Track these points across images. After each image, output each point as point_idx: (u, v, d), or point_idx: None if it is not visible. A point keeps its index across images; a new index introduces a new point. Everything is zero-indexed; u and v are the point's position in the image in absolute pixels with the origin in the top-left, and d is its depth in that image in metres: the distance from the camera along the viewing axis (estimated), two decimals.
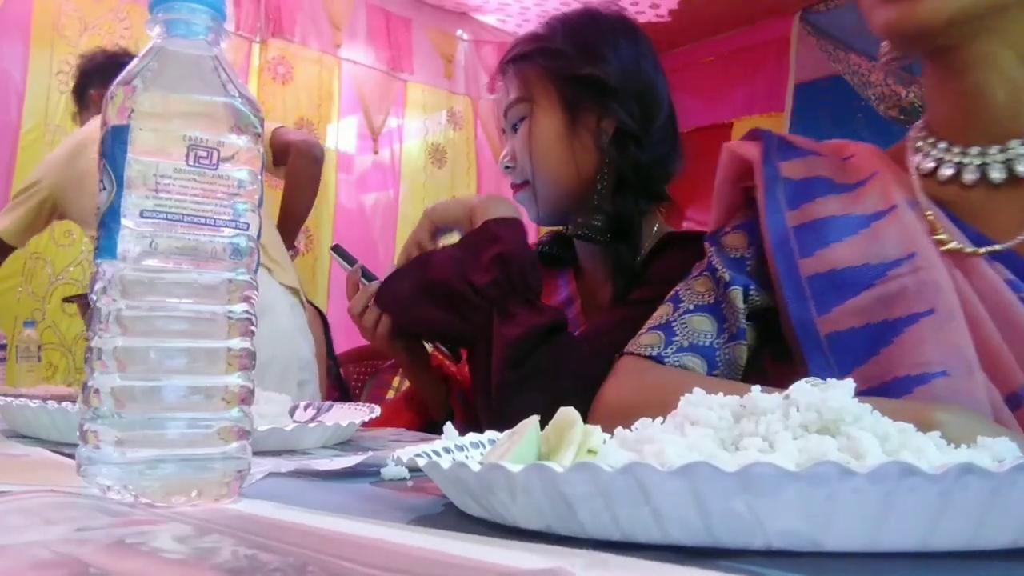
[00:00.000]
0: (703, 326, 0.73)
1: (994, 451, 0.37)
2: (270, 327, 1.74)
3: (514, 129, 1.00)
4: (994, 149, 0.63)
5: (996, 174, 0.63)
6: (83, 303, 2.11)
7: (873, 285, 0.64)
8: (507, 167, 1.02)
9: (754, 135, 0.77)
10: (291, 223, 2.05)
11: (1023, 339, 0.58)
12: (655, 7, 3.91)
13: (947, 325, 0.59)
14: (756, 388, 0.39)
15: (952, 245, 0.63)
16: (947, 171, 0.65)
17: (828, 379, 0.39)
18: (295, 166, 1.97)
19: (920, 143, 0.69)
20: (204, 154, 0.40)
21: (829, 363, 0.63)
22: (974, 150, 0.64)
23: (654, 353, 0.72)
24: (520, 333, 0.82)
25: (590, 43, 0.97)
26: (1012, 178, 0.63)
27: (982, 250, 0.62)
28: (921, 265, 0.62)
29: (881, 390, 0.59)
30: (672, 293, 0.78)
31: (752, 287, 0.72)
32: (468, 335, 0.88)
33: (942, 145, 0.66)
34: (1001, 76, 0.62)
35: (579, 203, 0.96)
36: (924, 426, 0.39)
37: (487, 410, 0.85)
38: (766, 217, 0.71)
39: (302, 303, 1.91)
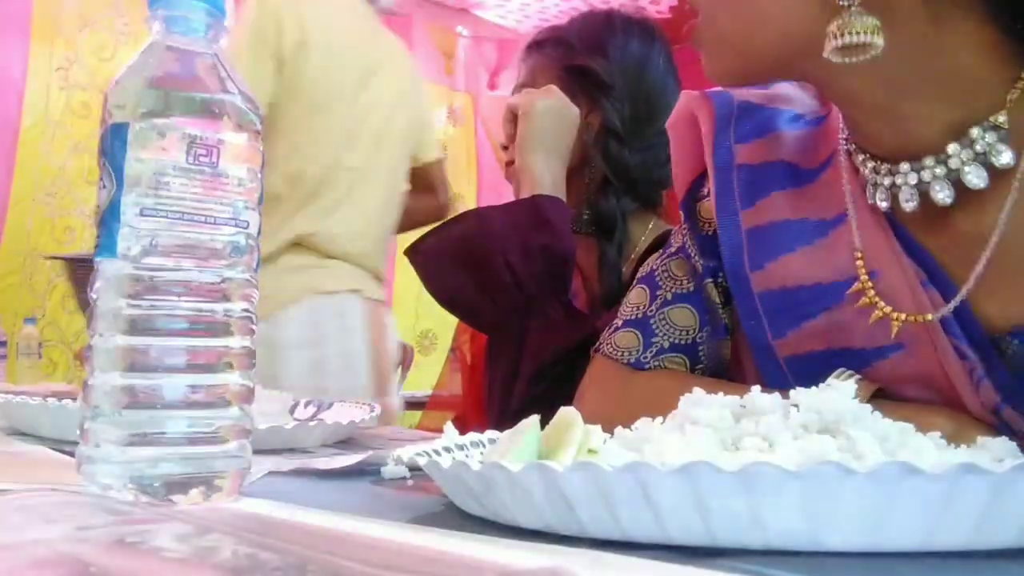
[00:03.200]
0: (684, 320, 0.67)
1: (994, 451, 0.37)
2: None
3: None
4: (884, 168, 0.53)
5: (879, 199, 0.53)
6: (73, 263, 1.73)
7: (829, 308, 0.56)
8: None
9: (707, 95, 0.66)
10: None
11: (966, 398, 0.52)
12: (655, 3, 3.91)
13: (923, 362, 0.53)
14: (756, 388, 0.39)
15: (864, 302, 0.54)
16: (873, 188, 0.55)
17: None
18: (418, 216, 1.67)
19: (847, 143, 0.59)
20: (204, 152, 0.40)
21: (790, 383, 0.53)
22: (870, 163, 0.54)
23: (632, 360, 0.66)
24: (561, 347, 0.79)
25: (597, 37, 0.98)
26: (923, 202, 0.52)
27: (896, 319, 0.53)
28: (882, 290, 0.54)
29: None
30: (647, 273, 0.71)
31: (722, 271, 0.64)
32: (493, 320, 0.85)
33: (851, 146, 0.57)
34: (868, 107, 0.53)
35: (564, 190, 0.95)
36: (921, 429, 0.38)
37: (503, 405, 0.82)
38: (717, 213, 0.63)
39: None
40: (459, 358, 1.09)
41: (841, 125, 0.59)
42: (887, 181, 0.52)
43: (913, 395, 0.54)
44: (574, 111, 0.92)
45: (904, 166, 0.51)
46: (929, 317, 0.51)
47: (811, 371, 0.53)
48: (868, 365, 0.55)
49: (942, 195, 0.50)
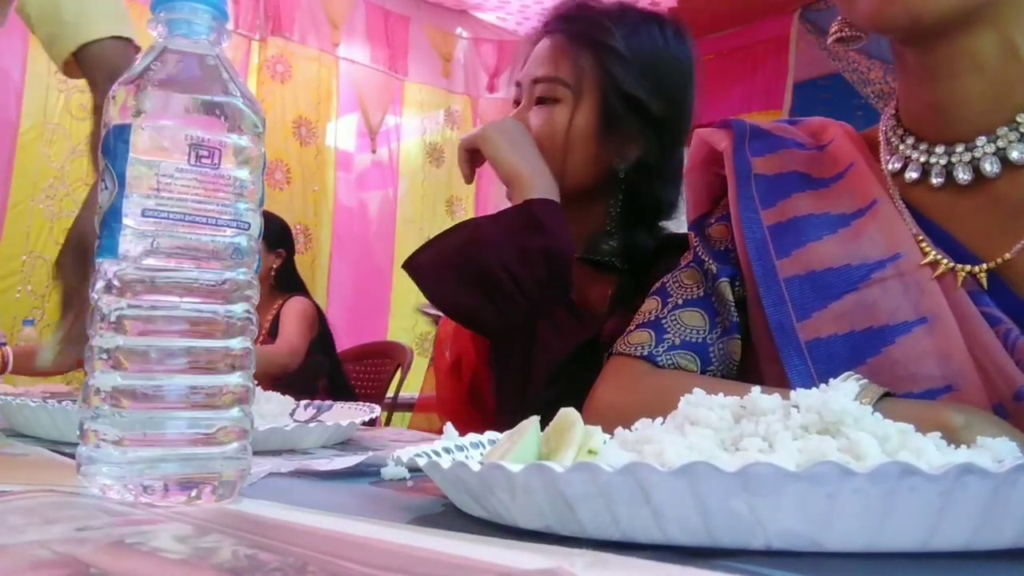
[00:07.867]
0: (694, 321, 0.70)
1: (994, 451, 0.37)
2: None
3: (539, 102, 0.95)
4: (960, 147, 0.60)
5: (962, 174, 0.59)
6: None
7: (856, 288, 0.60)
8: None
9: (724, 124, 0.73)
10: None
11: (993, 361, 0.55)
12: (654, 5, 3.91)
13: (945, 335, 0.56)
14: (756, 389, 0.39)
15: (930, 259, 0.59)
16: (913, 173, 0.62)
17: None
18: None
19: (890, 134, 0.65)
20: (206, 153, 0.40)
21: (810, 370, 0.60)
22: (939, 148, 0.60)
23: (645, 353, 0.68)
24: (569, 350, 0.79)
25: (652, 65, 0.93)
26: (979, 179, 0.59)
27: (960, 270, 0.58)
28: (907, 268, 0.59)
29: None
30: (658, 286, 0.74)
31: (738, 279, 0.69)
32: (500, 328, 0.83)
33: (909, 140, 0.63)
34: (979, 68, 0.58)
35: (571, 206, 0.91)
36: (943, 429, 0.39)
37: (513, 411, 0.81)
38: (740, 215, 0.68)
39: None
40: (436, 361, 1.08)
41: (892, 112, 0.66)
42: (967, 157, 0.59)
43: (930, 372, 0.56)
44: (520, 125, 0.93)
45: (981, 139, 0.59)
46: (992, 264, 0.58)
47: (833, 356, 0.58)
48: (891, 342, 0.58)
49: (1016, 154, 0.58)
